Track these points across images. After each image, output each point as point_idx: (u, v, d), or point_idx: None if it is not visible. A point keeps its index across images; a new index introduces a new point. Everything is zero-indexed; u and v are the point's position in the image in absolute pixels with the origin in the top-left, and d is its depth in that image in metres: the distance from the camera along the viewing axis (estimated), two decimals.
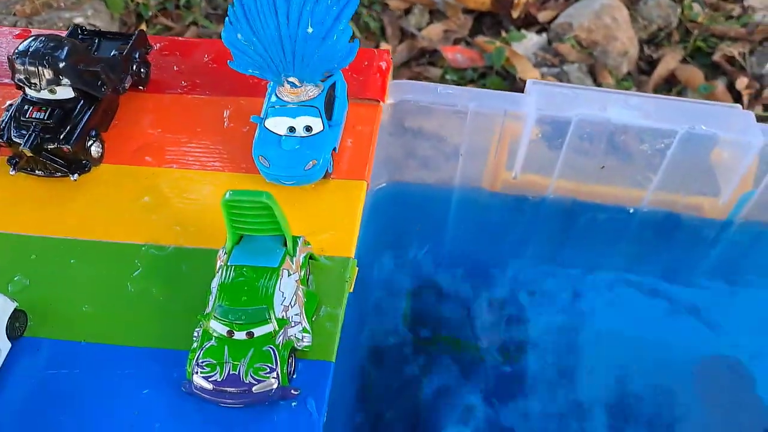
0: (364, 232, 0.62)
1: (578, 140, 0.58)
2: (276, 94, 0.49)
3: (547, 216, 0.63)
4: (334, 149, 0.50)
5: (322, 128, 0.49)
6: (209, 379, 0.40)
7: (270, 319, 0.40)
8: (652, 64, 1.24)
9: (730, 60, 1.21)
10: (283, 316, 0.41)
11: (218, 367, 0.40)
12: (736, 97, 1.17)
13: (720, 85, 1.18)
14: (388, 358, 0.63)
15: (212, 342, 0.41)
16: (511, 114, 0.58)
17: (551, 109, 0.57)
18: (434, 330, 0.66)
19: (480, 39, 1.21)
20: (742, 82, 1.14)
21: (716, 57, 1.22)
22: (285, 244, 0.43)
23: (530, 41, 1.22)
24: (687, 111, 0.57)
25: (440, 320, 0.65)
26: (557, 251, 0.67)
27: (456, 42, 1.23)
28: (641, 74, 1.24)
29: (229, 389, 0.40)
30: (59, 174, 0.50)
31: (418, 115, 0.58)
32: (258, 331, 0.40)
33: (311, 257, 0.45)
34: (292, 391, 0.41)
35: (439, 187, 0.63)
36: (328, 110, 0.49)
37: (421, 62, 1.22)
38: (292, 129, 0.49)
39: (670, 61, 1.24)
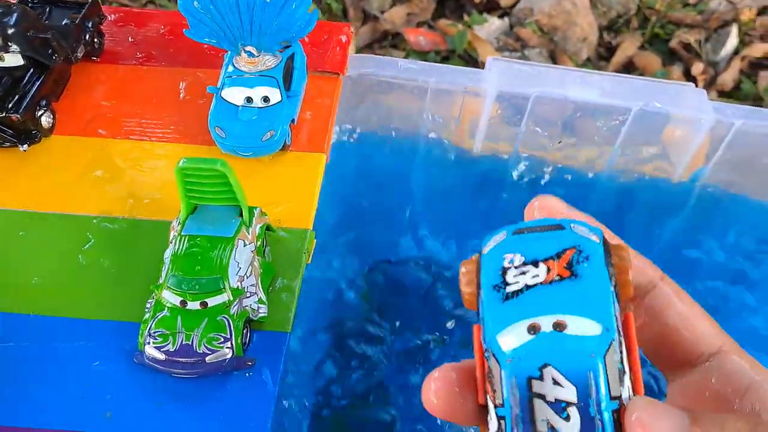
0: (325, 207, 0.61)
1: (536, 117, 0.59)
2: (233, 64, 0.49)
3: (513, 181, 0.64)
4: (293, 121, 0.49)
5: (280, 99, 0.48)
6: (161, 350, 0.40)
7: (224, 289, 0.40)
8: (611, 50, 1.26)
9: (687, 47, 1.23)
10: (238, 286, 0.41)
11: (171, 338, 0.40)
12: (692, 83, 1.19)
13: (676, 71, 1.20)
14: (348, 330, 0.63)
15: (165, 312, 0.40)
16: (471, 90, 0.58)
17: (511, 85, 0.57)
18: (397, 304, 0.66)
19: (442, 22, 1.22)
20: (697, 68, 1.16)
21: (673, 43, 1.24)
22: (241, 215, 0.43)
23: (492, 25, 1.22)
24: (642, 89, 0.58)
25: (405, 290, 0.65)
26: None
27: (419, 25, 1.23)
28: (600, 60, 1.26)
29: (182, 359, 0.39)
30: (8, 144, 0.49)
31: (379, 89, 0.57)
32: (212, 301, 0.40)
33: (268, 228, 0.45)
34: (247, 362, 0.41)
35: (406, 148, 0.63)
36: (286, 81, 0.49)
37: (384, 45, 1.21)
38: (249, 99, 0.48)
39: (628, 47, 1.25)
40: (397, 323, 0.64)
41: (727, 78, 1.21)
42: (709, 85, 1.20)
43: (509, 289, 0.21)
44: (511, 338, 0.20)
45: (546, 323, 0.20)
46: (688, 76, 1.20)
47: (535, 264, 0.21)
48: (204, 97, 0.52)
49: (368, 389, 0.61)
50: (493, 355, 0.20)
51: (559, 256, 0.21)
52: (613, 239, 0.23)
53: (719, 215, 0.62)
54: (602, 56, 1.27)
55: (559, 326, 0.20)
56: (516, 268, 0.21)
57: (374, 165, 0.62)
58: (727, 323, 0.25)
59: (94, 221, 0.47)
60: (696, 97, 0.58)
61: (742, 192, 0.61)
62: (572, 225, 0.22)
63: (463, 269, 0.23)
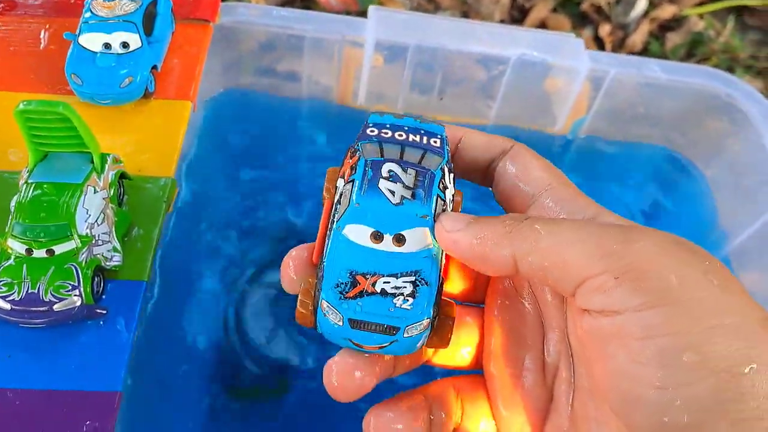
0: (204, 160, 0.60)
1: (417, 67, 0.59)
2: (90, 10, 0.47)
3: None
4: (155, 67, 0.48)
5: (140, 45, 0.47)
6: (7, 299, 0.38)
7: (72, 236, 0.39)
8: (524, 12, 1.27)
9: (598, 9, 1.25)
10: (87, 234, 0.40)
11: (16, 287, 0.38)
12: (601, 46, 1.21)
13: (587, 33, 1.22)
14: (234, 295, 0.62)
15: (10, 261, 0.39)
16: (350, 39, 0.57)
17: (390, 34, 0.57)
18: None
19: None
20: (604, 30, 1.18)
21: (584, 6, 1.25)
22: (93, 162, 0.42)
23: None
24: (521, 38, 0.58)
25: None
26: None
27: None
28: (514, 22, 1.26)
29: (29, 308, 0.38)
30: None
31: (254, 39, 0.56)
32: (59, 249, 0.39)
33: (124, 176, 0.44)
34: (98, 310, 0.40)
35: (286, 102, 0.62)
36: (147, 26, 0.47)
37: (295, 6, 1.19)
38: (107, 45, 0.46)
39: (541, 9, 1.26)
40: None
41: (636, 40, 1.23)
42: (619, 47, 1.22)
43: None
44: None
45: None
46: (598, 40, 1.22)
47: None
48: (65, 47, 0.50)
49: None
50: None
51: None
52: None
53: (599, 164, 0.64)
54: (515, 18, 1.27)
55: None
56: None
57: (253, 123, 0.61)
58: None
59: None
60: (573, 47, 0.58)
61: (617, 139, 0.62)
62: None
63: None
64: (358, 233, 0.27)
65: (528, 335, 0.32)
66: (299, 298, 0.28)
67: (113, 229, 0.42)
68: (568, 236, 0.25)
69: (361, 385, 0.28)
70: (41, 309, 0.38)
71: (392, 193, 0.27)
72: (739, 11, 1.22)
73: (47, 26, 0.52)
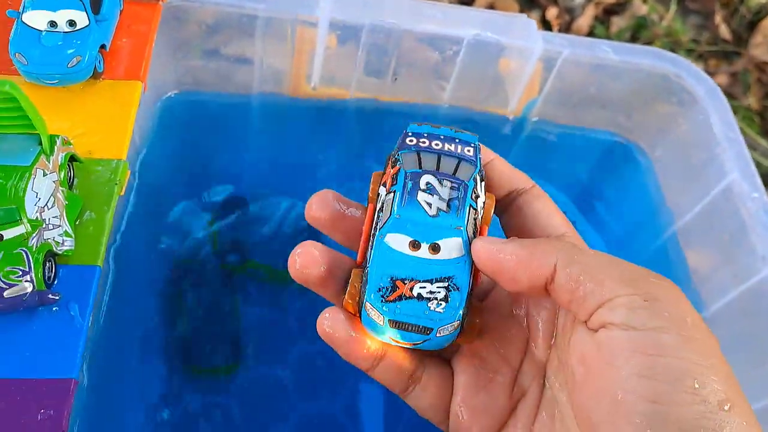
0: (159, 148, 0.59)
1: (371, 48, 0.58)
2: None
3: (349, 122, 0.63)
4: (104, 47, 0.47)
5: (87, 23, 0.45)
6: None
7: (20, 220, 0.38)
8: None
9: None
10: (37, 217, 0.38)
11: None
12: (548, 29, 1.22)
13: (534, 16, 1.23)
14: (190, 278, 0.61)
15: None
16: (304, 19, 0.56)
17: (344, 14, 0.56)
18: (243, 253, 0.65)
19: None
20: (551, 12, 1.19)
21: None
22: (40, 143, 0.40)
23: None
24: (474, 18, 0.58)
25: (248, 241, 0.63)
26: (362, 158, 0.67)
27: None
28: (463, 4, 1.27)
29: None
30: None
31: (205, 18, 0.55)
32: (7, 234, 0.37)
33: (74, 159, 0.43)
34: (50, 296, 0.39)
35: (238, 96, 0.61)
36: (94, 4, 0.46)
37: None
38: (53, 24, 0.45)
39: None
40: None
41: (582, 23, 1.25)
42: (565, 30, 1.24)
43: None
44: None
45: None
46: (546, 22, 1.23)
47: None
48: (6, 23, 0.48)
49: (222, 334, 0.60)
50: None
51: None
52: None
53: (548, 147, 0.65)
54: (464, 2, 1.28)
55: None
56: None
57: (205, 115, 0.61)
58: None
59: None
60: (526, 27, 0.59)
61: (568, 123, 0.63)
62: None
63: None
64: (398, 242, 0.30)
65: (511, 351, 0.34)
66: (348, 289, 0.32)
67: (64, 212, 0.40)
68: (604, 259, 0.29)
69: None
70: None
71: (429, 205, 0.31)
72: None
73: None
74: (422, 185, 0.31)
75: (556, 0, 1.26)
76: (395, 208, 0.31)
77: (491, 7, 1.26)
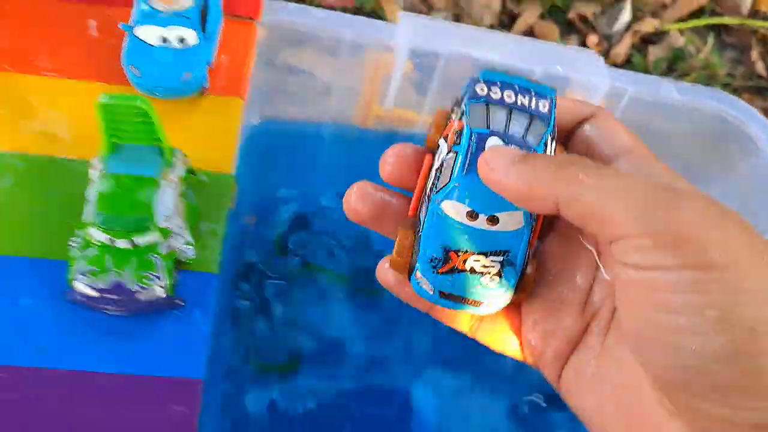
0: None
1: (446, 76, 0.61)
2: (147, 2, 0.48)
3: None
4: (209, 64, 0.49)
5: (197, 41, 0.48)
6: (93, 287, 0.39)
7: (151, 228, 0.40)
8: (513, 18, 1.30)
9: (583, 19, 1.29)
10: (165, 227, 0.41)
11: (102, 275, 0.40)
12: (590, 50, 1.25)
13: (574, 41, 1.26)
14: (256, 284, 0.64)
15: (94, 251, 0.40)
16: (381, 43, 0.59)
17: (423, 42, 0.59)
18: (305, 260, 0.68)
19: None
20: (592, 40, 1.22)
21: (571, 15, 1.29)
22: (162, 155, 0.43)
23: None
24: (545, 52, 0.61)
25: (313, 253, 0.66)
26: None
27: None
28: (503, 27, 1.30)
29: (114, 297, 0.40)
30: None
31: (291, 41, 0.58)
32: (140, 240, 0.40)
33: (191, 171, 0.45)
34: (177, 301, 0.41)
35: (310, 125, 0.64)
36: (202, 22, 0.49)
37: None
38: (164, 40, 0.47)
39: (528, 16, 1.30)
40: None
41: (620, 51, 1.28)
42: (604, 57, 1.27)
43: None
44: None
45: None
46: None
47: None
48: (115, 36, 0.51)
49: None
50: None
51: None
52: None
53: None
54: (504, 24, 1.31)
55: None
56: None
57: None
58: None
59: (7, 157, 0.46)
60: (593, 63, 0.61)
61: None
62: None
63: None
64: (455, 210, 0.28)
65: (581, 272, 0.32)
66: (395, 248, 0.30)
67: (185, 222, 0.43)
68: (613, 192, 0.25)
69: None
70: (126, 297, 0.40)
71: None
72: (718, 29, 1.28)
73: (95, 15, 0.52)
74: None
75: (594, 26, 1.29)
76: (455, 174, 0.28)
77: (531, 30, 1.29)
